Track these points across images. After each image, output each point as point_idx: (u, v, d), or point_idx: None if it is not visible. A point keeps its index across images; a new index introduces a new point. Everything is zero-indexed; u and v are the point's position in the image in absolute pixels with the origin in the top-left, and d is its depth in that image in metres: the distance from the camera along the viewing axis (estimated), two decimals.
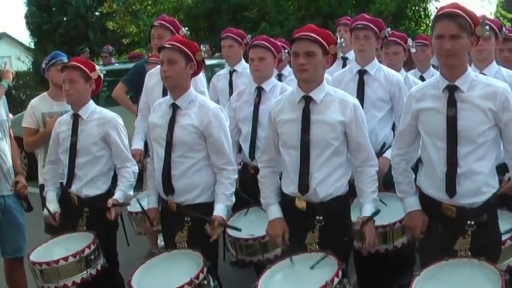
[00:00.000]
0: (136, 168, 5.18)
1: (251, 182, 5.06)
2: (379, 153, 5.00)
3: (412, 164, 4.18)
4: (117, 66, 13.42)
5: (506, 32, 5.30)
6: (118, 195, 4.94)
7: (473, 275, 3.48)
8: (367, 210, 4.10)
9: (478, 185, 3.70)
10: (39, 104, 6.17)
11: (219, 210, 4.41)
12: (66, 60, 6.19)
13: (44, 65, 6.33)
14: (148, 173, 4.86)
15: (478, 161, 3.69)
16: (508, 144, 3.76)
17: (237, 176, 4.66)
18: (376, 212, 4.09)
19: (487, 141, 3.69)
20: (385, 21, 5.73)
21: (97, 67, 5.16)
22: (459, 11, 3.62)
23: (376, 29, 5.37)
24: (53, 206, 5.16)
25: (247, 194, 5.04)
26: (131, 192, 5.12)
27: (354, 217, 4.26)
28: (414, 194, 4.06)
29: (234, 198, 4.57)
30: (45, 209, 5.17)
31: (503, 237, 4.01)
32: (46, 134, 5.89)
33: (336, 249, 3.85)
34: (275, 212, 4.27)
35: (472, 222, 3.70)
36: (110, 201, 4.85)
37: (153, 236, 6.56)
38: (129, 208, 5.54)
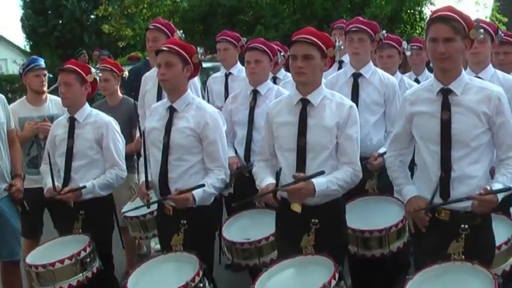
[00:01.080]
0: (123, 174, 5.14)
1: (245, 185, 5.07)
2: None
3: (407, 165, 4.15)
4: None
5: (502, 35, 5.31)
6: (88, 184, 4.90)
7: (466, 279, 3.50)
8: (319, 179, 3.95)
9: (471, 189, 3.68)
10: (18, 108, 6.16)
11: (196, 193, 4.31)
12: (43, 65, 6.21)
13: (21, 71, 6.31)
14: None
15: (472, 165, 3.70)
16: (499, 148, 3.77)
17: (227, 181, 4.63)
18: (319, 173, 3.93)
19: (481, 145, 3.70)
20: (381, 25, 5.73)
21: (93, 70, 5.17)
22: (453, 14, 3.63)
23: (371, 32, 5.37)
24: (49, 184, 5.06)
25: (242, 197, 5.03)
26: (102, 192, 5.04)
27: (350, 220, 4.28)
28: (412, 183, 4.01)
29: (213, 190, 4.44)
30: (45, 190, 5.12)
31: (500, 242, 4.01)
32: (23, 138, 5.93)
33: (331, 252, 3.85)
34: (269, 179, 4.15)
35: (466, 226, 3.70)
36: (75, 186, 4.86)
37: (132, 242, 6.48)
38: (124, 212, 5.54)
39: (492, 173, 3.86)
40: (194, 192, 4.29)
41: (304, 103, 4.11)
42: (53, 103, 6.20)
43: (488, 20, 20.73)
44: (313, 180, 3.90)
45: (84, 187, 4.87)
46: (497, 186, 3.58)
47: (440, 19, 3.64)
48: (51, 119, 5.96)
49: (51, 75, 6.99)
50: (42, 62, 6.26)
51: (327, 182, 3.96)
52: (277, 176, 4.00)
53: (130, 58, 15.94)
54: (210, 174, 4.48)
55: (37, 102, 6.11)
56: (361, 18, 5.60)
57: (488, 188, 3.56)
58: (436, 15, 3.70)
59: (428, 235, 3.83)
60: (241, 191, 5.20)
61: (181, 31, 6.72)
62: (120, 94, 6.67)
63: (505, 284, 3.40)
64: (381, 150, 4.88)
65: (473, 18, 3.83)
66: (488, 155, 3.77)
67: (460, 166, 3.69)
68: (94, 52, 16.02)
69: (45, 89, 6.20)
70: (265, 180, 4.17)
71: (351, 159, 4.12)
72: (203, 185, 4.31)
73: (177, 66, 4.40)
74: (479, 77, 4.68)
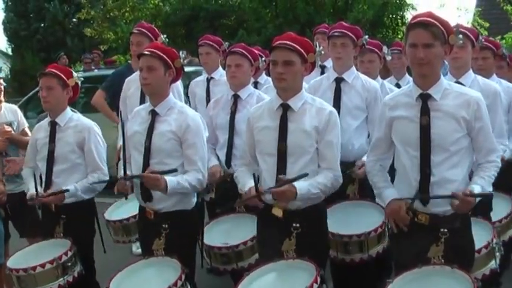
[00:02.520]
0: (106, 178, 5.09)
1: (226, 190, 5.08)
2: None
3: (386, 170, 4.18)
4: (95, 72, 13.38)
5: (483, 40, 5.35)
6: (70, 188, 4.91)
7: (446, 283, 3.53)
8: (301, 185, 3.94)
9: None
10: None
11: (170, 180, 4.27)
12: None
13: None
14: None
15: (451, 169, 3.73)
16: (478, 152, 3.82)
17: (204, 184, 4.57)
18: (302, 175, 3.95)
19: (460, 150, 3.74)
20: (363, 29, 5.76)
21: (74, 74, 5.16)
22: (433, 20, 3.66)
23: (353, 36, 5.39)
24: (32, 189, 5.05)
25: (223, 202, 5.05)
26: (84, 196, 5.05)
27: (330, 224, 4.29)
28: (392, 187, 4.03)
29: (187, 185, 4.38)
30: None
31: (480, 246, 4.05)
32: None
33: (313, 257, 3.85)
34: (251, 183, 4.11)
35: (445, 230, 3.74)
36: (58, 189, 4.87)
37: None
38: (107, 216, 5.52)
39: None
40: (167, 179, 4.25)
41: (285, 108, 4.12)
42: (7, 110, 6.26)
43: (469, 25, 20.92)
44: (295, 183, 3.91)
45: (67, 190, 4.86)
46: (476, 188, 3.62)
47: (420, 25, 3.66)
48: (10, 125, 6.02)
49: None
50: None
51: (308, 186, 3.97)
52: (255, 178, 4.00)
53: (106, 62, 15.87)
54: (187, 173, 4.45)
55: None
56: (344, 23, 5.62)
57: (468, 191, 3.59)
58: (415, 20, 3.73)
59: (408, 239, 3.86)
60: (222, 196, 5.21)
61: (164, 35, 6.72)
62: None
63: (487, 286, 3.43)
64: (365, 158, 4.89)
65: (454, 23, 3.88)
66: (467, 159, 3.80)
67: (440, 170, 3.72)
68: (85, 56, 15.93)
69: (1, 98, 6.19)
70: (247, 184, 4.18)
71: (331, 164, 4.14)
72: (176, 170, 4.29)
73: (159, 70, 4.40)
74: (459, 82, 4.73)
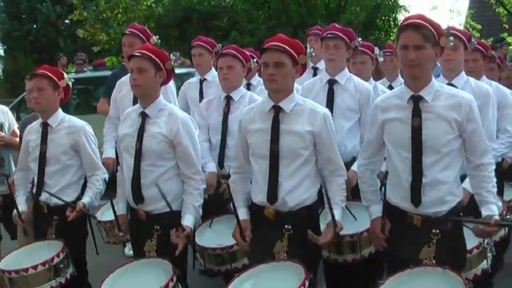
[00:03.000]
0: (106, 176, 5.18)
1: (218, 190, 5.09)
2: (350, 165, 5.01)
3: (377, 173, 4.21)
4: (87, 74, 13.38)
5: (475, 43, 5.37)
6: (86, 200, 4.94)
7: (437, 284, 3.52)
8: (335, 214, 4.07)
9: (442, 194, 3.76)
10: None
11: (188, 221, 4.39)
12: None
13: None
14: (118, 180, 4.85)
15: (443, 171, 3.75)
16: (471, 154, 3.83)
17: (205, 186, 4.65)
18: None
19: (451, 151, 3.75)
20: (355, 31, 5.77)
21: (65, 75, 5.16)
22: (423, 22, 3.68)
23: (346, 38, 5.40)
24: (21, 206, 5.16)
25: (216, 203, 5.05)
26: (97, 202, 5.10)
27: (323, 226, 4.30)
28: (379, 202, 4.10)
29: (201, 211, 4.55)
30: (14, 211, 5.16)
31: (472, 246, 4.06)
32: None
33: (305, 258, 3.84)
34: (242, 214, 4.25)
35: (437, 231, 3.75)
36: (81, 205, 4.88)
37: None
38: (98, 217, 5.52)
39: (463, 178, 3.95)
40: (188, 224, 4.37)
41: (277, 110, 4.12)
42: None
43: (462, 27, 20.99)
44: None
45: (84, 206, 4.92)
46: (494, 209, 3.71)
47: (410, 27, 3.68)
48: (1, 126, 6.02)
49: None
50: None
51: (339, 211, 4.10)
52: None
53: (96, 64, 15.86)
54: (190, 191, 4.50)
55: None
56: (337, 25, 5.63)
57: (493, 220, 3.67)
58: (406, 22, 3.75)
59: (400, 240, 3.88)
60: (215, 197, 5.21)
61: (157, 37, 6.71)
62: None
63: (479, 287, 3.44)
64: (355, 168, 4.89)
65: (447, 25, 3.91)
66: (459, 161, 3.82)
67: (431, 172, 3.74)
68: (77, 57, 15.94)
69: None
70: (239, 212, 4.24)
71: (338, 165, 4.20)
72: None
73: (149, 72, 4.40)
74: (452, 84, 4.75)
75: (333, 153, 4.18)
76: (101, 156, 5.36)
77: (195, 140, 4.58)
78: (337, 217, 4.03)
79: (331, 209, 3.95)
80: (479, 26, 24.25)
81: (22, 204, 5.20)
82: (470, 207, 4.06)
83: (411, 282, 3.57)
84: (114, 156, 6.02)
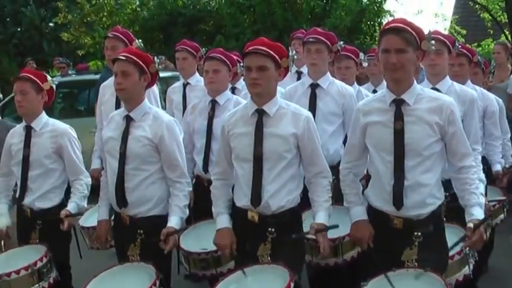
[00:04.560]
0: (89, 180, 5.17)
1: (205, 195, 5.07)
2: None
3: (360, 176, 4.22)
4: (72, 77, 13.34)
5: (460, 47, 5.41)
6: (71, 206, 4.93)
7: (419, 285, 3.56)
8: (320, 217, 4.10)
9: (424, 197, 3.78)
10: None
11: (173, 222, 4.37)
12: None
13: None
14: (101, 184, 4.84)
15: (424, 174, 3.78)
16: (453, 157, 3.86)
17: (191, 189, 4.67)
18: (333, 226, 4.11)
19: (433, 154, 3.78)
20: (340, 36, 5.80)
21: (49, 78, 5.14)
22: (405, 26, 3.71)
23: (328, 42, 5.43)
24: (4, 220, 5.12)
25: (201, 207, 5.05)
26: (84, 204, 5.10)
27: (305, 228, 4.30)
28: (361, 204, 4.10)
29: (187, 211, 4.55)
30: None
31: (452, 252, 4.06)
32: None
33: (289, 261, 3.85)
34: (224, 221, 4.26)
35: (419, 233, 3.78)
36: (63, 213, 4.85)
37: None
38: (81, 223, 5.48)
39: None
40: (173, 225, 4.36)
41: (260, 113, 4.12)
42: None
43: (447, 32, 21.13)
44: (318, 219, 4.09)
45: (70, 212, 4.90)
46: (476, 212, 3.74)
47: (392, 30, 3.72)
48: None
49: None
50: None
51: (325, 214, 4.13)
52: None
53: (79, 69, 15.79)
54: (175, 194, 4.49)
55: None
56: (318, 29, 5.67)
57: (472, 225, 3.69)
58: (388, 26, 3.79)
59: (382, 242, 3.89)
60: (200, 201, 5.21)
61: (140, 40, 6.70)
62: None
63: None
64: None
65: (429, 30, 3.94)
66: (440, 164, 3.85)
67: (413, 175, 3.76)
68: (55, 60, 15.86)
69: None
70: (220, 218, 4.29)
71: (322, 167, 4.23)
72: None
73: (133, 75, 4.39)
74: (436, 89, 4.80)
75: (317, 156, 4.19)
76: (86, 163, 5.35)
77: (180, 144, 4.58)
78: (322, 219, 4.07)
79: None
80: (464, 31, 24.43)
81: (5, 216, 5.15)
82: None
83: (393, 285, 3.59)
84: (100, 167, 5.96)
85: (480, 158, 4.93)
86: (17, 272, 4.51)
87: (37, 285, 4.59)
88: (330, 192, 4.24)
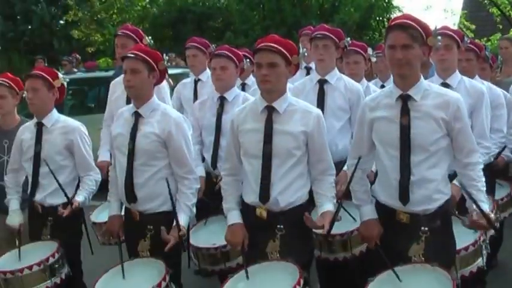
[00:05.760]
0: (99, 177, 5.21)
1: (213, 191, 5.11)
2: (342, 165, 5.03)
3: (368, 172, 4.23)
4: (82, 75, 13.40)
5: (468, 42, 5.41)
6: (80, 199, 4.96)
7: (426, 281, 3.57)
8: (329, 207, 4.07)
9: (430, 193, 3.80)
10: None
11: (181, 220, 4.38)
12: None
13: None
14: (110, 179, 4.87)
15: (430, 169, 3.79)
16: (458, 153, 3.87)
17: (199, 186, 4.68)
18: (336, 212, 4.01)
19: (439, 150, 3.79)
20: (349, 32, 5.82)
21: (60, 75, 5.17)
22: (410, 22, 3.72)
23: (335, 38, 5.44)
24: (17, 217, 5.17)
25: (209, 204, 5.07)
26: (88, 201, 5.12)
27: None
28: (370, 203, 4.10)
29: (195, 210, 4.58)
30: (7, 219, 5.18)
31: (467, 243, 4.09)
32: None
33: (297, 258, 3.87)
34: (235, 217, 4.26)
35: (426, 228, 3.79)
36: (75, 204, 4.89)
37: None
38: (93, 219, 5.54)
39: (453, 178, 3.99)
40: (181, 223, 4.35)
41: (270, 110, 4.13)
42: None
43: (456, 27, 21.05)
44: (325, 209, 4.07)
45: (78, 204, 4.94)
46: (485, 208, 3.71)
47: (398, 27, 3.72)
48: None
49: None
50: None
51: (331, 206, 4.10)
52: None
53: (87, 66, 15.83)
54: (183, 191, 4.52)
55: None
56: (326, 25, 5.67)
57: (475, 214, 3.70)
58: (394, 23, 3.79)
59: (389, 238, 3.92)
60: (208, 197, 5.23)
61: (150, 37, 6.73)
62: (17, 116, 5.87)
63: (472, 284, 3.46)
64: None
65: (435, 25, 3.95)
66: (446, 159, 3.86)
67: (419, 170, 3.77)
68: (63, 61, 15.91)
69: None
70: (232, 214, 4.28)
71: (329, 164, 4.24)
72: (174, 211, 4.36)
73: (142, 72, 4.41)
74: (446, 83, 4.82)
75: (325, 154, 4.21)
76: (96, 159, 5.38)
77: (188, 140, 4.60)
78: (330, 207, 4.06)
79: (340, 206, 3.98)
80: (473, 26, 24.33)
81: (17, 213, 5.20)
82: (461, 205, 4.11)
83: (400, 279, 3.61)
84: (108, 160, 6.00)
85: (491, 151, 4.97)
86: (30, 267, 4.55)
87: (49, 280, 4.63)
88: (335, 190, 4.26)
